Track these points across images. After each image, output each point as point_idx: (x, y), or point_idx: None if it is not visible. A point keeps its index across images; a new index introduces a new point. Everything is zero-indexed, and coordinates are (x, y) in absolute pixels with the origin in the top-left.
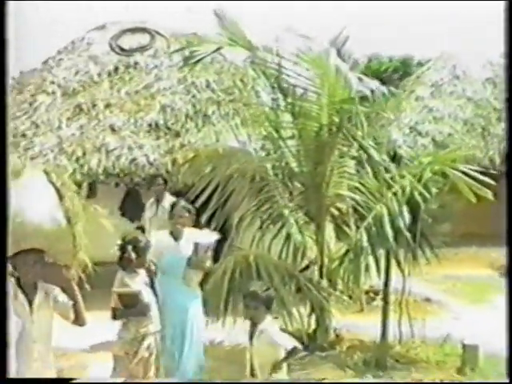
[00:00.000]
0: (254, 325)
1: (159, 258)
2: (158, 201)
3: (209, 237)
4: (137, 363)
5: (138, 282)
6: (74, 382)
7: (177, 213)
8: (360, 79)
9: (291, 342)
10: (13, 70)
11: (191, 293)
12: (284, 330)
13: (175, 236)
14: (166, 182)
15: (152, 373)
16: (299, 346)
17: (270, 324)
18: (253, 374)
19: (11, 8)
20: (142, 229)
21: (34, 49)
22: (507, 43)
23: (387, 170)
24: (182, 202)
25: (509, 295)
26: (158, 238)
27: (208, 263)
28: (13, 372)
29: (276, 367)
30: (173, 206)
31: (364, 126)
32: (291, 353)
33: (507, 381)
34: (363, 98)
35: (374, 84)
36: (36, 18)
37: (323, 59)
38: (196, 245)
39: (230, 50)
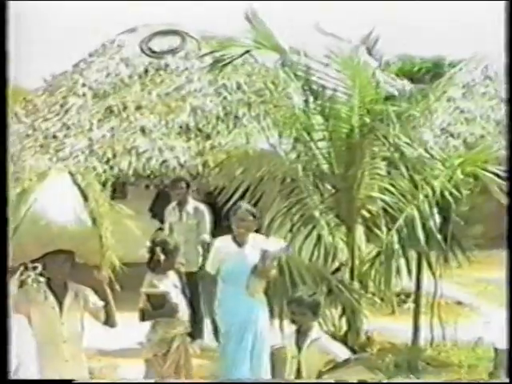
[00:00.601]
0: (299, 330)
1: (220, 265)
2: (180, 205)
3: (276, 244)
4: (168, 366)
5: (166, 284)
6: (75, 382)
7: (239, 216)
8: (388, 78)
9: (345, 352)
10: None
11: (255, 303)
12: None
13: (239, 242)
14: (188, 185)
15: (183, 375)
16: (352, 357)
17: (321, 332)
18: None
19: (11, 8)
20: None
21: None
22: (507, 43)
23: (419, 172)
24: (246, 205)
25: (509, 295)
26: (220, 244)
27: (273, 272)
28: (34, 372)
29: (324, 374)
30: (236, 209)
31: (396, 126)
32: (344, 362)
33: (507, 381)
34: (394, 99)
35: (402, 83)
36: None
37: (353, 60)
38: (264, 252)
39: (260, 52)
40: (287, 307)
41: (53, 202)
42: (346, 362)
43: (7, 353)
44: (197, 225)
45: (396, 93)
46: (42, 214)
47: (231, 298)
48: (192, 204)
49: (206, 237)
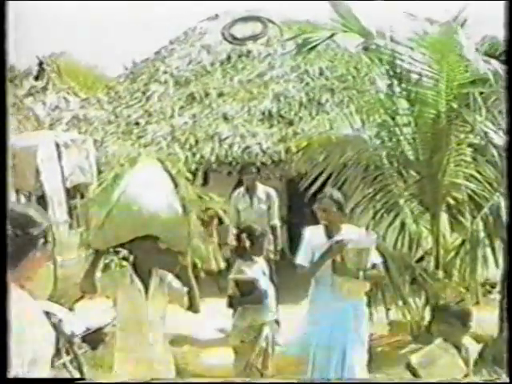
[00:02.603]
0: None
1: (311, 259)
2: (249, 190)
3: (363, 237)
4: (257, 354)
5: (255, 270)
6: (76, 382)
7: (321, 206)
8: (484, 60)
9: None
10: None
11: (344, 306)
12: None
13: (329, 233)
14: (259, 170)
15: (270, 363)
16: None
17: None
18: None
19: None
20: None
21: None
22: (507, 43)
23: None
24: (332, 193)
25: (509, 295)
26: (309, 236)
27: (372, 272)
28: (119, 355)
29: None
30: (321, 197)
31: (483, 111)
32: None
33: (507, 381)
34: (482, 83)
35: (498, 65)
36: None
37: (443, 42)
38: (331, 243)
39: (343, 37)
40: (433, 316)
41: (144, 187)
42: None
43: (7, 352)
44: (267, 210)
45: (490, 76)
46: (135, 200)
47: (317, 296)
48: (262, 189)
49: (277, 222)
